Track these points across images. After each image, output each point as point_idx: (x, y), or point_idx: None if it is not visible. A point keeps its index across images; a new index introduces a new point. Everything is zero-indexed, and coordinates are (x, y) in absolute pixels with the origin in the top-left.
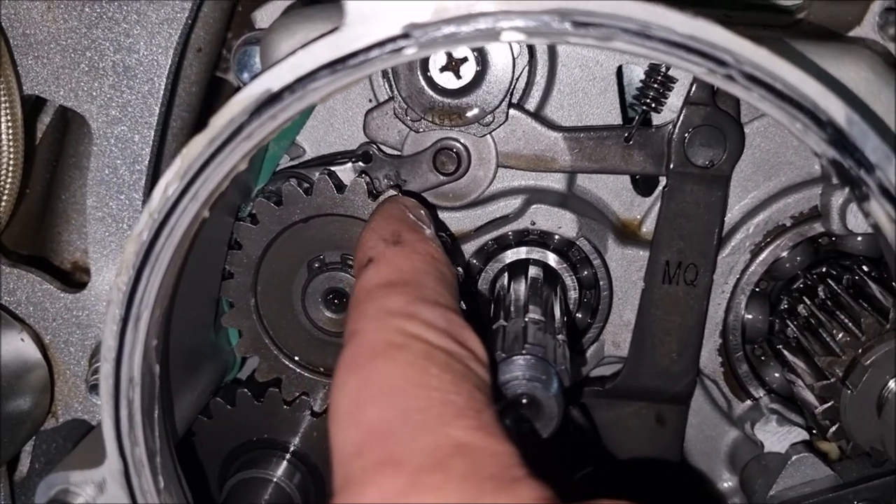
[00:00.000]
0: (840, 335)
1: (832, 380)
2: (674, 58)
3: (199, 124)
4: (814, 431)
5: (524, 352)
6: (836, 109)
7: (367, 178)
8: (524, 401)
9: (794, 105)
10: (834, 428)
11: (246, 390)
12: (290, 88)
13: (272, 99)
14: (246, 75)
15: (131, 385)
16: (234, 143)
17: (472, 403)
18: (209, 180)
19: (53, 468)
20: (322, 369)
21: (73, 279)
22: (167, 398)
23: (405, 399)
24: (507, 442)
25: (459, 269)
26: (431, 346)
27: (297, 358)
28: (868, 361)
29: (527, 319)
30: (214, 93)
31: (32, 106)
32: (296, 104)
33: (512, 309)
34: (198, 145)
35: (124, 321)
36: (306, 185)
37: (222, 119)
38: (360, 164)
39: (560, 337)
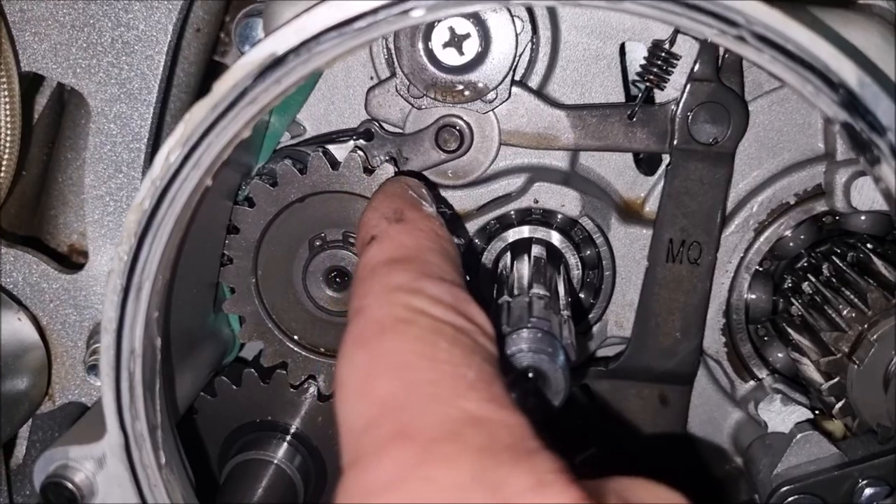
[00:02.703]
0: (846, 311)
1: (838, 355)
2: (685, 19)
3: None
4: (817, 412)
5: (530, 325)
6: (848, 71)
7: (362, 154)
8: (530, 374)
9: (805, 67)
10: (840, 404)
11: (253, 370)
12: (295, 52)
13: (277, 63)
14: (248, 48)
15: (133, 357)
16: (237, 108)
17: (482, 376)
18: (212, 147)
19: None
20: (323, 350)
21: (70, 262)
22: (168, 373)
23: (416, 373)
24: (519, 414)
25: (461, 240)
26: (439, 321)
27: (300, 340)
28: (874, 336)
29: (531, 294)
30: (212, 77)
31: (29, 86)
32: (301, 68)
33: (515, 287)
34: (201, 110)
35: (125, 292)
36: (300, 165)
37: (226, 84)
38: (362, 141)
39: (565, 313)
